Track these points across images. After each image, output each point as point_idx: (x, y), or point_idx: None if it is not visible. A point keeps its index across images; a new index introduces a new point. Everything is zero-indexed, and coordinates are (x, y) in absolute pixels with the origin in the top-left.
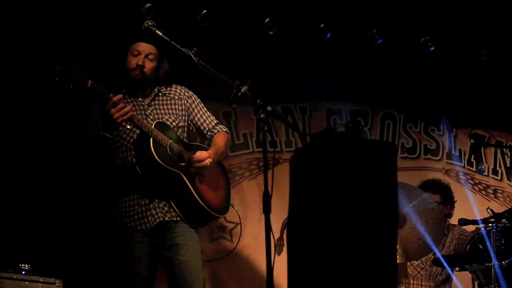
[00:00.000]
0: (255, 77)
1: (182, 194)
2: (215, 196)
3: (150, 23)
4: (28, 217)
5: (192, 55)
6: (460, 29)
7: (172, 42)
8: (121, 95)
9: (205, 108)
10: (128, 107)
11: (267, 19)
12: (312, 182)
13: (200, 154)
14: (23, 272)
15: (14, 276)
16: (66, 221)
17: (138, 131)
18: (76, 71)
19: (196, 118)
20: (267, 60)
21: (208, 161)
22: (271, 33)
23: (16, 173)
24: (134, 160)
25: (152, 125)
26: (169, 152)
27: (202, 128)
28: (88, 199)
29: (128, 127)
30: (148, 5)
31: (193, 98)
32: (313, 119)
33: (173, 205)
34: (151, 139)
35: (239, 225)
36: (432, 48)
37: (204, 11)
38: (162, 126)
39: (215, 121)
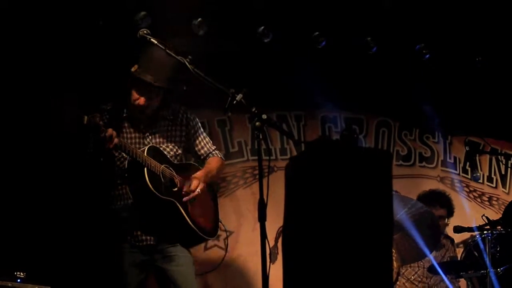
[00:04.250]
0: (250, 85)
1: (175, 220)
2: (206, 219)
3: (145, 32)
4: (23, 225)
5: (187, 63)
6: (455, 36)
7: (167, 50)
8: (110, 130)
9: (205, 134)
10: (114, 134)
11: (262, 27)
12: (307, 190)
13: (191, 185)
14: (18, 280)
15: (9, 284)
16: (61, 230)
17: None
18: (71, 109)
19: (194, 144)
20: (262, 68)
21: (199, 189)
22: (266, 41)
23: (11, 181)
24: (128, 187)
25: (144, 152)
26: (162, 179)
27: (199, 154)
28: (82, 209)
29: (125, 155)
30: (142, 13)
31: (193, 122)
32: (308, 127)
33: (166, 232)
34: (145, 168)
35: (231, 237)
36: (427, 56)
37: (199, 19)
38: (153, 151)
39: (213, 147)
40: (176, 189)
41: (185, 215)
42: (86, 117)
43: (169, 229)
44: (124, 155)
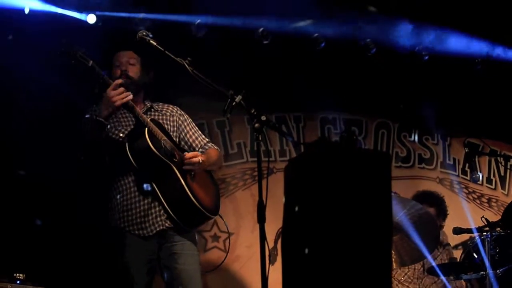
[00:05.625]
0: (249, 87)
1: (173, 187)
2: (206, 196)
3: (144, 33)
4: (22, 226)
5: (186, 65)
6: (454, 39)
7: (166, 52)
8: (121, 80)
9: (197, 127)
10: (128, 93)
11: (261, 29)
12: (307, 191)
13: (193, 153)
14: (18, 282)
15: (9, 286)
16: (62, 230)
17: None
18: (79, 49)
19: (188, 136)
20: (261, 70)
21: (200, 158)
22: (265, 42)
23: (10, 179)
24: (127, 148)
25: (148, 118)
26: (163, 146)
27: (194, 145)
28: (83, 206)
29: (122, 135)
30: (142, 15)
31: (185, 116)
32: (307, 128)
33: (162, 200)
34: (146, 129)
35: (230, 238)
36: (426, 58)
37: (198, 21)
38: (156, 123)
39: (207, 139)
40: (176, 160)
41: (182, 182)
42: (91, 61)
43: (168, 200)
44: (121, 136)
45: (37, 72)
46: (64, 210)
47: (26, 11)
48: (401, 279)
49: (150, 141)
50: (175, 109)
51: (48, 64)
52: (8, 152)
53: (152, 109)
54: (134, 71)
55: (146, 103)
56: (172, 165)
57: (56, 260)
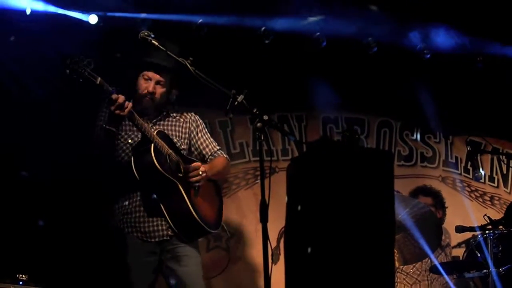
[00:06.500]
0: (251, 86)
1: (177, 204)
2: (209, 211)
3: (146, 33)
4: (25, 226)
5: (188, 65)
6: (456, 36)
7: (168, 52)
8: (123, 97)
9: (209, 134)
10: (129, 104)
11: (263, 28)
12: (309, 190)
13: (196, 164)
14: (20, 283)
15: (12, 287)
16: (64, 231)
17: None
18: (86, 67)
19: (199, 142)
20: (263, 69)
21: (202, 169)
22: (267, 42)
23: (13, 181)
24: (132, 164)
25: (154, 132)
26: (168, 161)
27: (204, 152)
28: (86, 208)
29: (130, 141)
30: (143, 15)
31: (198, 123)
32: (309, 127)
33: (166, 215)
34: (152, 144)
35: (233, 238)
36: (428, 56)
37: (200, 20)
38: (163, 136)
39: (217, 147)
40: (181, 175)
41: (186, 198)
42: (99, 78)
43: (172, 215)
44: (130, 142)
45: (39, 72)
46: (66, 211)
47: (28, 12)
48: (409, 271)
49: (155, 157)
50: (189, 115)
51: (50, 64)
52: (10, 153)
53: (169, 117)
54: (160, 93)
55: (163, 111)
56: (176, 181)
57: (59, 261)
